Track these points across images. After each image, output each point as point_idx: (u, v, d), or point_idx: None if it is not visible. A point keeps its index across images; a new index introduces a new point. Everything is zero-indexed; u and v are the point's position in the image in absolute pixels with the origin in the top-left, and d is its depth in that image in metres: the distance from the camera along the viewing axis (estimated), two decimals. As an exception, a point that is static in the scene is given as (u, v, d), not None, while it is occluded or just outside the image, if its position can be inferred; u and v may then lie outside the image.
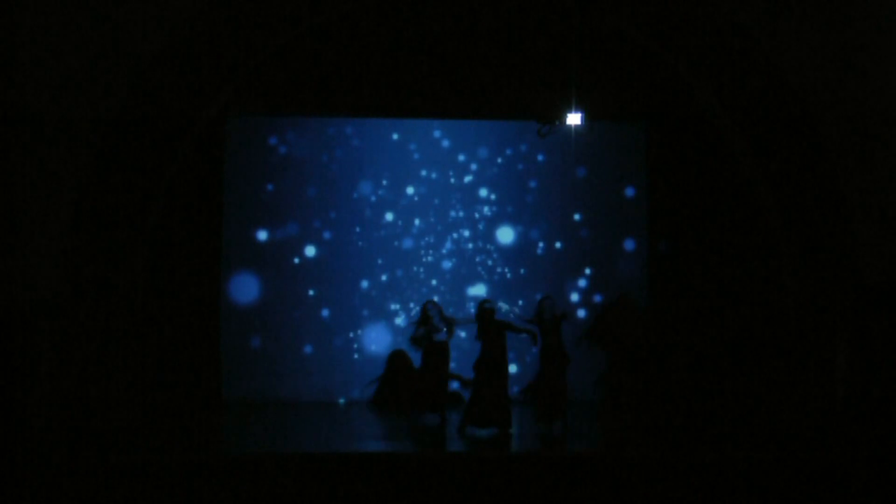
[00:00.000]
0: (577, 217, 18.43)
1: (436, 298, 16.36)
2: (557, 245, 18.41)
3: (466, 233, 18.35)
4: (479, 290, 17.97)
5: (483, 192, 18.41)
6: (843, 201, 13.89)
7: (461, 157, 18.40)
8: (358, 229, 18.12)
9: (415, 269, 18.18)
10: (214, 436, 14.38)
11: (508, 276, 18.33)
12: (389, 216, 18.19)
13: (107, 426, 12.81)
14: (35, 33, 11.89)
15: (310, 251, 17.99)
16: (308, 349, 17.83)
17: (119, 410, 13.04)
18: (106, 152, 13.06)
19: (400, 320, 17.90)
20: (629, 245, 18.33)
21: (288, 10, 13.31)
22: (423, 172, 18.29)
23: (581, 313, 17.87)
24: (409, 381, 15.78)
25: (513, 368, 16.21)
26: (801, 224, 14.04)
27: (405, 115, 16.67)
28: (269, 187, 17.86)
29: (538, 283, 18.11)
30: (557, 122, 15.79)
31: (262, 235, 17.81)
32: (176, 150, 13.46)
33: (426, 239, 18.27)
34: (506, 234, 18.39)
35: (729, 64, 13.93)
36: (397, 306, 18.01)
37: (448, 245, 18.29)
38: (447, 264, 18.23)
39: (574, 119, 15.11)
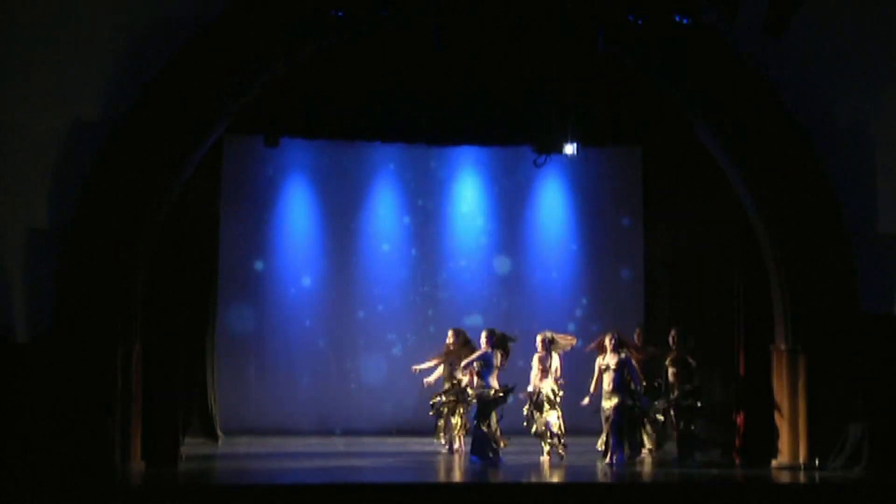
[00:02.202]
0: (573, 247, 18.46)
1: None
2: (554, 275, 18.41)
3: (462, 262, 18.34)
4: (475, 320, 17.94)
5: (479, 222, 18.41)
6: (842, 231, 13.95)
7: (457, 187, 18.42)
8: (354, 259, 18.10)
9: (411, 298, 18.15)
10: (210, 466, 14.34)
11: (505, 306, 18.31)
12: (385, 246, 18.17)
13: (101, 456, 12.74)
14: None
15: (306, 281, 17.98)
16: (304, 379, 17.76)
17: (114, 439, 12.95)
18: (101, 183, 13.10)
19: (397, 350, 17.87)
20: (625, 274, 18.36)
21: (289, 38, 13.33)
22: (420, 202, 18.29)
23: (578, 343, 17.83)
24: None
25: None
26: (797, 254, 14.05)
27: (401, 140, 16.74)
28: (266, 217, 17.86)
29: (534, 312, 18.09)
30: (553, 152, 15.81)
31: (259, 265, 17.80)
32: (175, 176, 13.45)
33: (422, 268, 18.25)
34: (502, 264, 18.38)
35: (727, 96, 13.98)
36: (394, 336, 17.96)
37: (444, 275, 18.27)
38: (443, 294, 18.19)
39: (570, 149, 15.14)
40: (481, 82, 14.69)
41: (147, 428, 13.43)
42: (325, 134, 16.43)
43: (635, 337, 15.62)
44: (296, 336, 17.77)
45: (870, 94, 13.21)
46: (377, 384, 17.72)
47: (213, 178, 16.31)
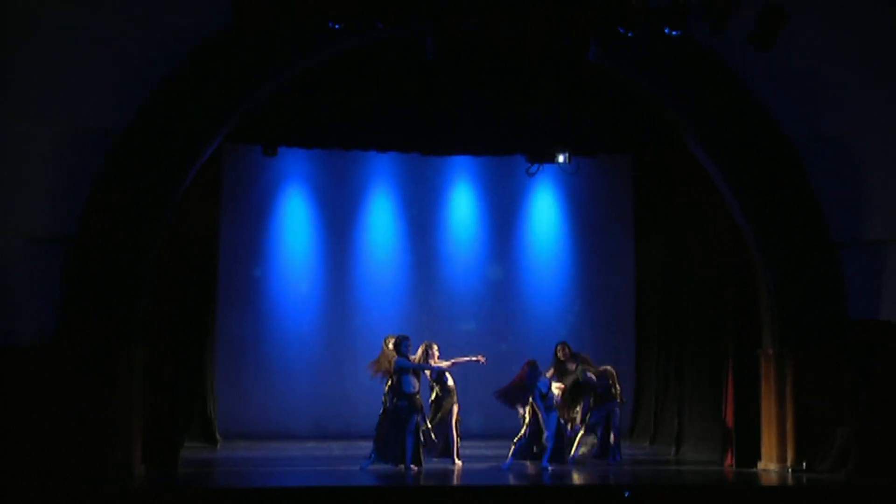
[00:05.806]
0: (565, 254, 18.65)
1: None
2: (546, 281, 18.61)
3: (457, 269, 18.53)
4: (469, 325, 18.15)
5: (473, 230, 18.61)
6: (828, 238, 14.14)
7: (451, 195, 18.63)
8: (350, 266, 18.29)
9: (406, 305, 18.33)
10: (209, 469, 14.49)
11: (498, 312, 18.49)
12: (381, 253, 18.37)
13: (103, 459, 12.91)
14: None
15: (303, 287, 18.16)
16: (302, 384, 17.89)
17: (115, 443, 13.10)
18: (103, 191, 13.25)
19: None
20: (616, 281, 18.56)
21: (289, 50, 13.48)
22: (415, 210, 18.50)
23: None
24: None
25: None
26: (784, 261, 14.24)
27: (396, 150, 16.94)
28: (264, 225, 18.05)
29: (527, 318, 18.30)
30: (545, 161, 15.98)
31: (257, 272, 17.99)
32: (176, 185, 13.58)
33: (417, 275, 18.44)
34: (495, 271, 18.58)
35: (715, 107, 14.17)
36: (389, 342, 18.12)
37: (439, 281, 18.47)
38: (438, 300, 18.39)
39: (562, 158, 15.31)
40: (475, 93, 14.85)
41: (147, 432, 13.55)
42: (323, 143, 16.59)
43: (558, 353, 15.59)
44: (293, 341, 17.94)
45: (855, 105, 13.39)
46: (373, 389, 17.83)
47: (213, 186, 16.39)
